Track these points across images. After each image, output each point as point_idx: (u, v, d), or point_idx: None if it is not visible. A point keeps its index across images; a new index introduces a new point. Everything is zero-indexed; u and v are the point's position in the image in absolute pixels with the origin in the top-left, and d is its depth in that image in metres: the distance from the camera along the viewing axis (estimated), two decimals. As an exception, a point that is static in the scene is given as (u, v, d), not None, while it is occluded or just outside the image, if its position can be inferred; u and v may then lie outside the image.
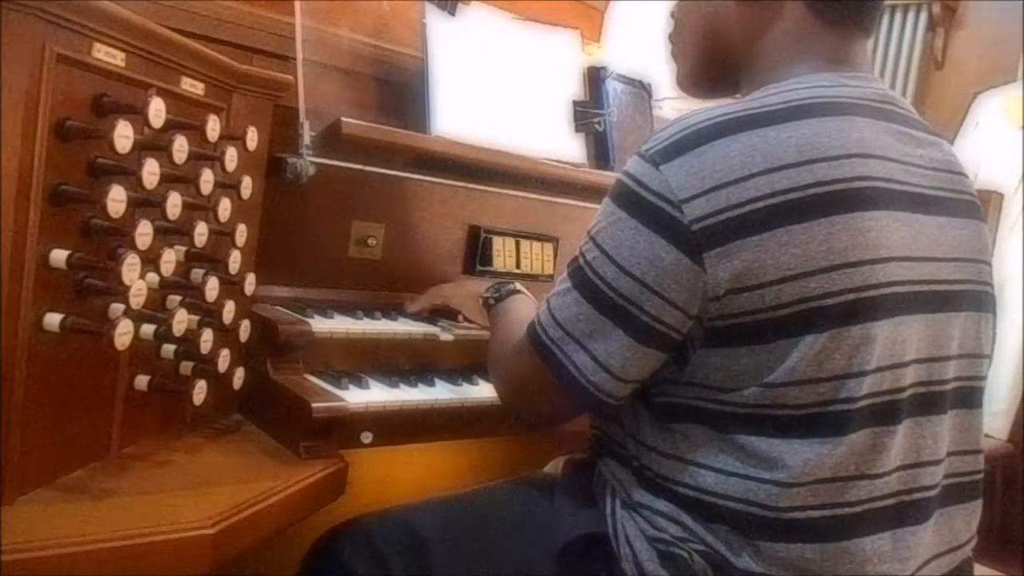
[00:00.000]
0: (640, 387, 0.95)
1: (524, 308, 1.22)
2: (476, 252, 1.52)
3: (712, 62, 1.05)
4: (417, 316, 1.40)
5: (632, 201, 0.89)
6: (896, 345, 0.89)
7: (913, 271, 0.90)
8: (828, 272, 0.85)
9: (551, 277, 1.63)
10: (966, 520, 1.00)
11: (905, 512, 0.92)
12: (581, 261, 0.94)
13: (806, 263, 0.84)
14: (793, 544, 0.88)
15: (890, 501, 0.91)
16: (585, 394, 0.93)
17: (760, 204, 0.84)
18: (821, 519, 0.88)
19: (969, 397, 1.00)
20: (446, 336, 1.35)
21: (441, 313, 1.40)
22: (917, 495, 0.93)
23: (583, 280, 0.92)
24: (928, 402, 0.94)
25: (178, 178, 0.96)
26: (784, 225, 0.84)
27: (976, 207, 1.01)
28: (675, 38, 1.10)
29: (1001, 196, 2.52)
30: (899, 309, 0.89)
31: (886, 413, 0.90)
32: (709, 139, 0.87)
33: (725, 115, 0.89)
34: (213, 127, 1.02)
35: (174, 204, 0.95)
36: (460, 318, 1.39)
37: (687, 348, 0.91)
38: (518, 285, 1.29)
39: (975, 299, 0.98)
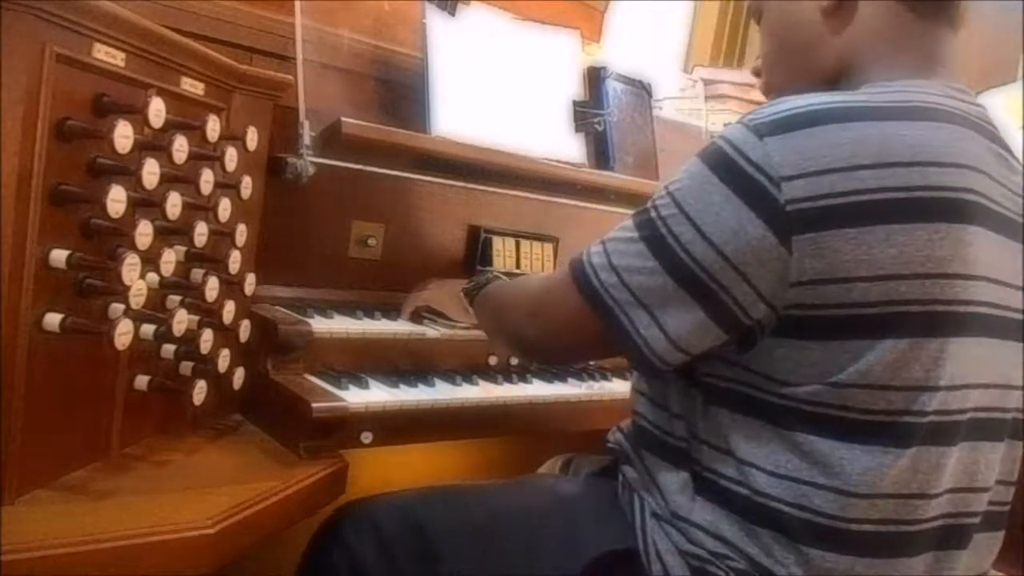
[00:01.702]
0: (695, 369, 0.92)
1: (518, 281, 1.21)
2: (476, 252, 1.52)
3: (801, 69, 1.01)
4: (415, 318, 1.39)
5: (726, 167, 0.84)
6: (969, 365, 0.87)
7: (996, 294, 0.89)
8: (922, 279, 0.82)
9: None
10: (991, 548, 0.99)
11: (951, 535, 0.91)
12: (653, 214, 0.88)
13: (901, 266, 0.82)
14: (844, 556, 0.86)
15: (939, 523, 0.90)
16: (633, 348, 0.90)
17: (864, 197, 0.81)
18: (879, 534, 0.86)
19: (1018, 429, 0.98)
20: (432, 333, 1.35)
21: (435, 313, 1.40)
22: (965, 520, 0.92)
23: (654, 235, 0.87)
24: (988, 428, 0.93)
25: (178, 178, 0.96)
26: (885, 223, 0.82)
27: None
28: (763, 48, 1.06)
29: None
30: (979, 330, 0.87)
31: (948, 433, 0.88)
32: (821, 122, 0.83)
33: (841, 102, 0.86)
34: (213, 127, 1.02)
35: (174, 204, 0.95)
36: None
37: (755, 333, 0.87)
38: (497, 274, 1.28)
39: None
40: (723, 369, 0.91)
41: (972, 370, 0.88)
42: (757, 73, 1.10)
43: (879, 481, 0.85)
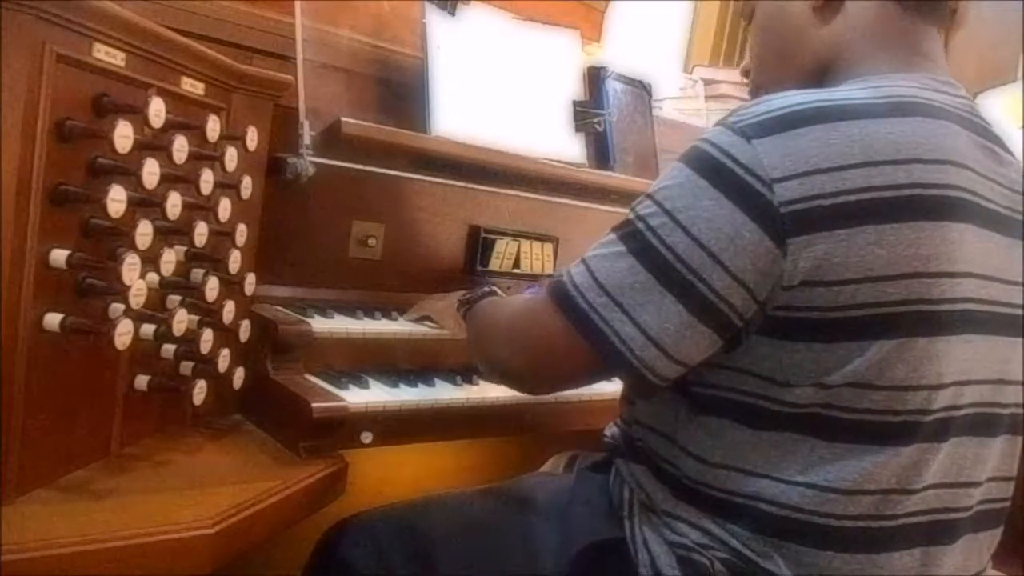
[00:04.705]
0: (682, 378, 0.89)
1: (503, 302, 1.19)
2: (476, 252, 1.52)
3: (788, 65, 1.01)
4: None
5: (715, 171, 0.82)
6: (960, 363, 0.87)
7: (984, 290, 0.88)
8: (909, 279, 0.82)
9: (551, 277, 1.63)
10: (989, 546, 0.99)
11: (937, 531, 0.90)
12: (641, 225, 0.85)
13: (888, 266, 0.81)
14: (824, 552, 0.86)
15: (924, 518, 0.89)
16: (628, 369, 0.86)
17: (853, 197, 0.81)
18: (858, 529, 0.86)
19: (1017, 424, 0.97)
20: (432, 333, 1.35)
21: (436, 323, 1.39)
22: (952, 515, 0.92)
23: (644, 246, 0.84)
24: (981, 424, 0.92)
25: (178, 178, 0.96)
26: (874, 223, 0.81)
27: None
28: (752, 46, 1.07)
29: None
30: (968, 327, 0.87)
31: (938, 430, 0.87)
32: (807, 122, 0.82)
33: (823, 101, 0.85)
34: (213, 127, 1.02)
35: (174, 204, 0.95)
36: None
37: (742, 333, 0.86)
38: (494, 288, 1.26)
39: None
40: (706, 374, 0.90)
41: (962, 367, 0.87)
42: (746, 73, 1.10)
43: (860, 478, 0.85)
